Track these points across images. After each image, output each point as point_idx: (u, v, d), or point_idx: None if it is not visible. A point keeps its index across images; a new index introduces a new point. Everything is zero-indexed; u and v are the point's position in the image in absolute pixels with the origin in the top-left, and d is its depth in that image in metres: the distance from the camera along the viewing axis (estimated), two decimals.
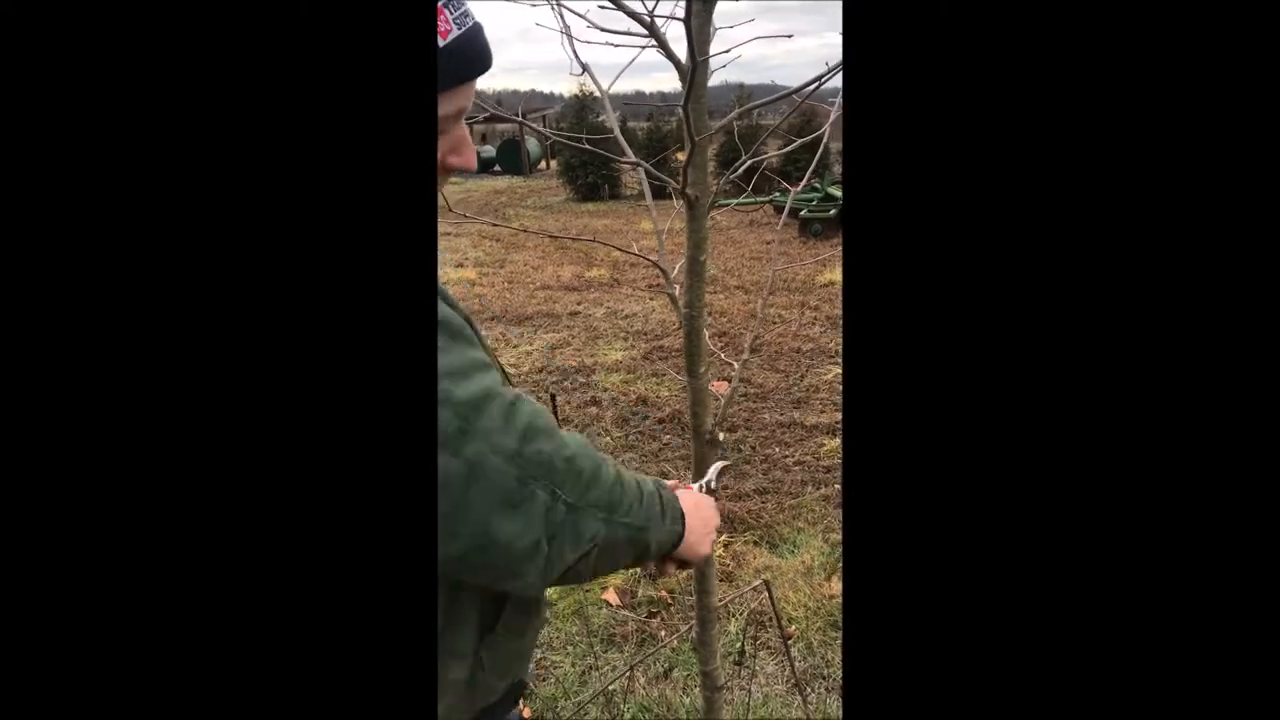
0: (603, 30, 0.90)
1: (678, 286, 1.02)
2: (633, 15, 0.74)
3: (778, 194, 9.33)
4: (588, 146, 0.96)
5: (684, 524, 0.78)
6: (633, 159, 0.93)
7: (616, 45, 0.87)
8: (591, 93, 13.84)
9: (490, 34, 0.75)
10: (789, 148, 1.11)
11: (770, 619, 2.20)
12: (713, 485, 0.97)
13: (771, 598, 0.95)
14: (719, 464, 1.01)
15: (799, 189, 1.15)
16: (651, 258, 1.07)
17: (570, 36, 1.00)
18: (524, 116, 1.29)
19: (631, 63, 0.99)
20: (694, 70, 0.66)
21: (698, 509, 0.82)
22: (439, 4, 0.70)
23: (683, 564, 0.84)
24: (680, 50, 0.85)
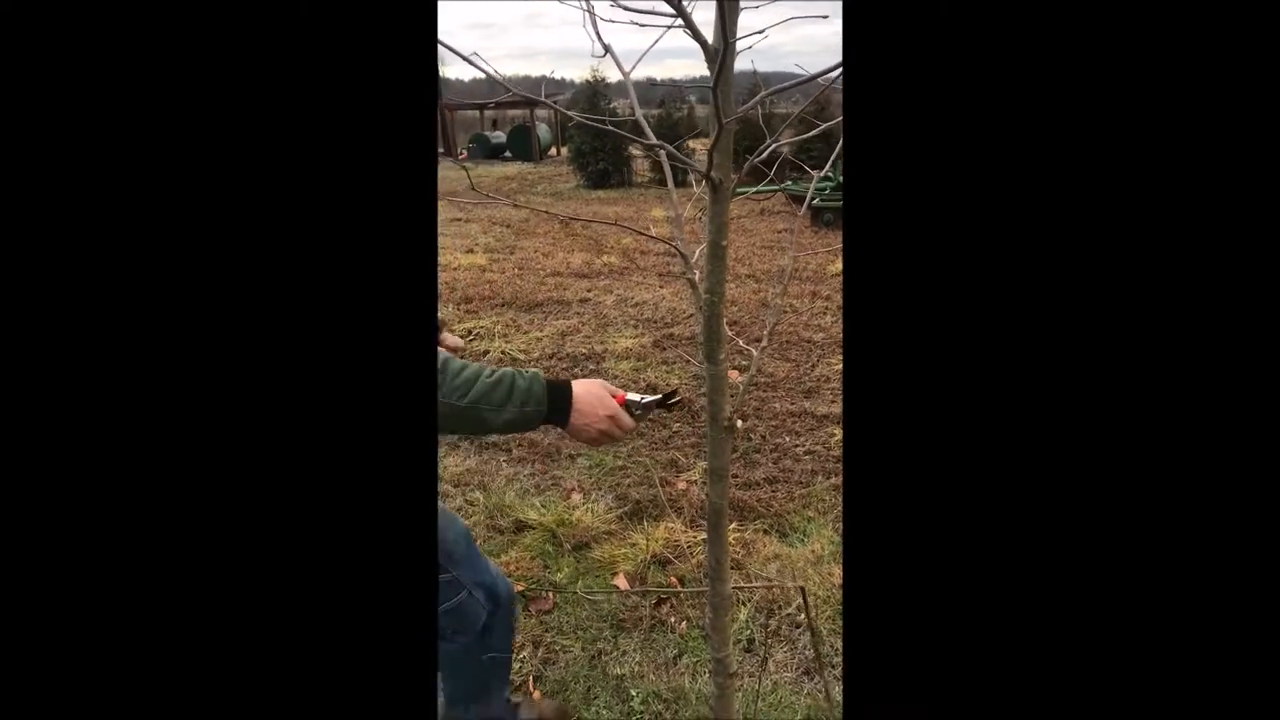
0: (627, 9, 0.89)
1: (697, 272, 1.02)
2: None
3: (789, 182, 9.29)
4: (610, 128, 0.96)
5: (545, 408, 1.08)
6: (654, 141, 0.92)
7: (642, 25, 0.86)
8: (604, 78, 13.78)
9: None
10: (807, 135, 1.10)
11: (779, 606, 2.20)
12: (639, 405, 1.19)
13: (806, 604, 0.94)
14: (653, 398, 1.21)
15: (818, 177, 1.15)
16: (672, 242, 1.06)
17: (594, 16, 0.99)
18: (538, 102, 1.28)
19: (656, 43, 0.98)
20: (724, 52, 0.65)
21: (587, 392, 1.11)
22: None
23: (584, 436, 1.13)
24: (706, 33, 0.84)
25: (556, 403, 1.08)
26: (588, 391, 1.10)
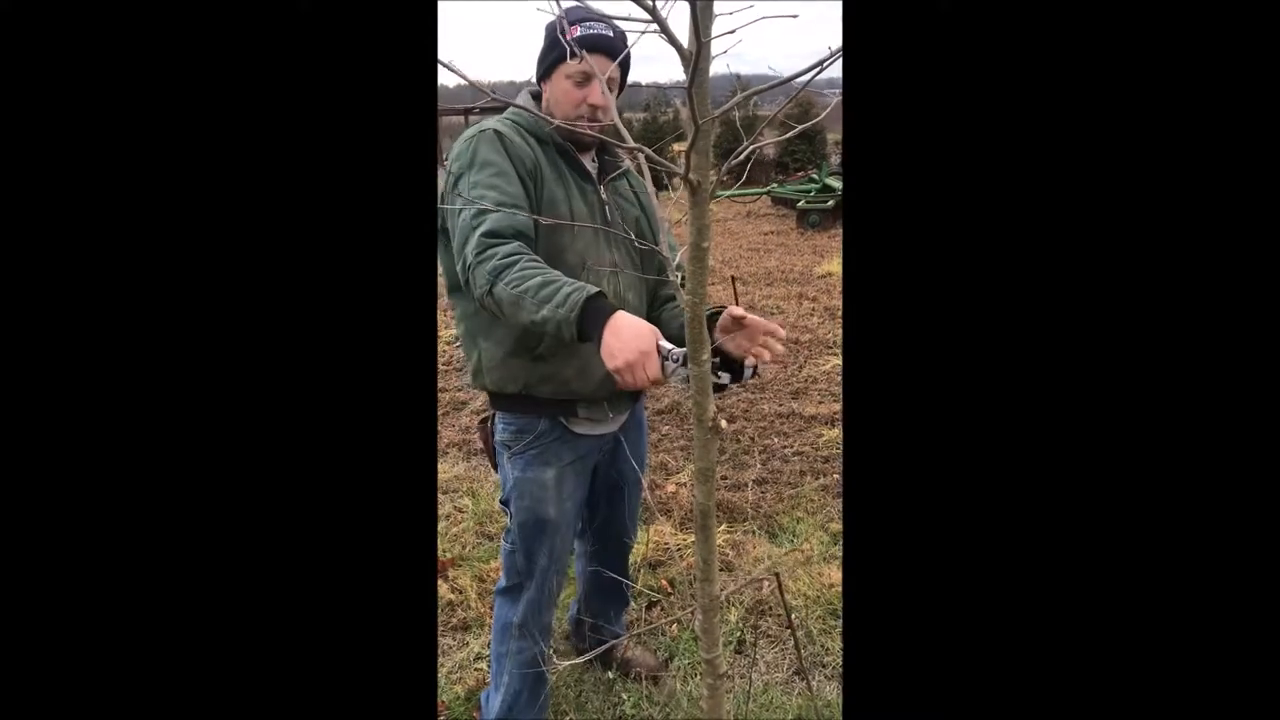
0: (603, 18, 0.89)
1: (680, 274, 1.02)
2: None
3: (775, 185, 9.33)
4: (588, 133, 0.96)
5: (576, 314, 1.07)
6: (633, 145, 0.92)
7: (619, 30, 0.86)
8: None
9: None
10: (787, 136, 1.11)
11: (769, 608, 2.21)
12: (669, 354, 1.08)
13: (780, 588, 0.95)
14: (682, 350, 1.08)
15: (796, 179, 1.15)
16: (657, 246, 1.06)
17: (564, 23, 0.99)
18: (517, 105, 1.28)
19: (631, 45, 0.98)
20: (698, 53, 0.66)
21: (631, 324, 1.06)
22: (573, 24, 1.09)
23: (611, 364, 1.06)
24: (682, 36, 0.84)
25: (592, 317, 1.07)
26: (631, 324, 1.07)
